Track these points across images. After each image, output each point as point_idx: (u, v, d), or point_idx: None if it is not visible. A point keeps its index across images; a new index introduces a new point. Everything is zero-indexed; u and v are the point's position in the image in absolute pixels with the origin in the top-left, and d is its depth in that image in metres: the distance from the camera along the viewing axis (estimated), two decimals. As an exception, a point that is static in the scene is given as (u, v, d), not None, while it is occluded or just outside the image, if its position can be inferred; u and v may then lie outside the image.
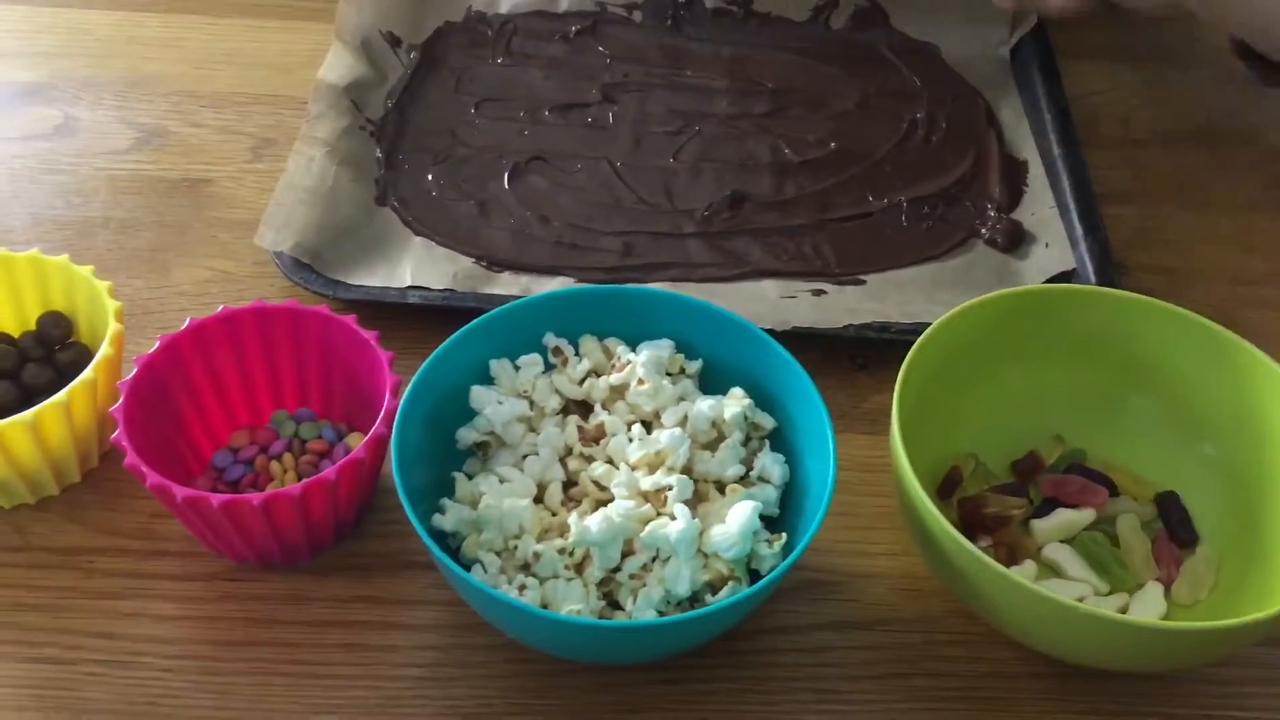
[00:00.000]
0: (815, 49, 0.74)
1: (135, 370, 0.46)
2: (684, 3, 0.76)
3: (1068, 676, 0.45)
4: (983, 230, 0.62)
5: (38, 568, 0.46)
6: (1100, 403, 0.52)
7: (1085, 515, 0.49)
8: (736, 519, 0.43)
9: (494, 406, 0.46)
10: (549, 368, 0.49)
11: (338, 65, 0.67)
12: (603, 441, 0.46)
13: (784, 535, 0.44)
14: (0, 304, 0.51)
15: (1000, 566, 0.41)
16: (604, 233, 0.61)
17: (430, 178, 0.63)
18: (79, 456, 0.48)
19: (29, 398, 0.48)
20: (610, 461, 0.46)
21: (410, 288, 0.57)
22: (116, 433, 0.44)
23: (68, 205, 0.61)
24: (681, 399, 0.47)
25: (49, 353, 0.50)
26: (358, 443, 0.46)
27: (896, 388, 0.45)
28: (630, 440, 0.46)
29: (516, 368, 0.48)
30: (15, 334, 0.51)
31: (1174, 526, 0.49)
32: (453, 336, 0.47)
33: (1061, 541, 0.49)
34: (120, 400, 0.45)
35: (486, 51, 0.72)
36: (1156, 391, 0.51)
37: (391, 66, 0.70)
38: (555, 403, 0.48)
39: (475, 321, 0.47)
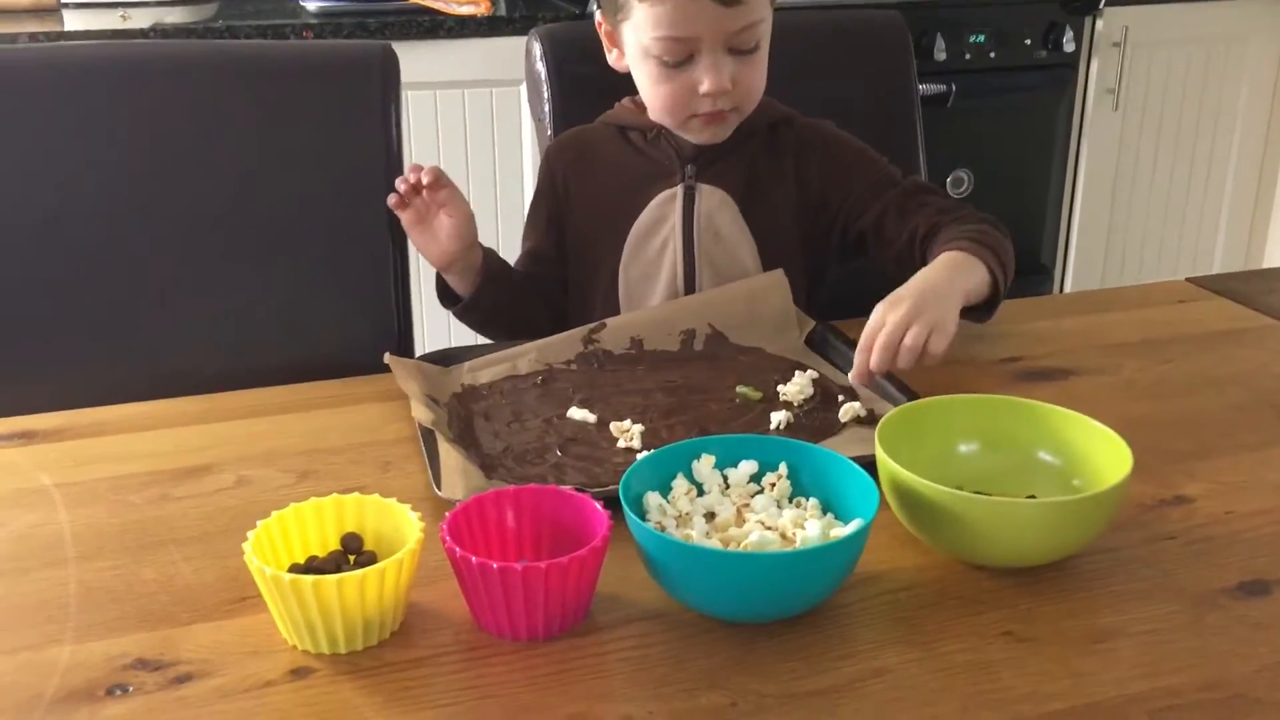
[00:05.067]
0: (690, 362, 1.11)
1: (447, 518, 0.73)
2: (603, 355, 1.12)
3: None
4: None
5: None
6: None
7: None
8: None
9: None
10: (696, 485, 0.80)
11: (418, 409, 0.98)
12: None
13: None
14: (308, 534, 0.75)
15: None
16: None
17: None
18: (393, 615, 0.72)
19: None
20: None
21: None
22: (447, 542, 0.71)
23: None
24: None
25: (347, 563, 0.75)
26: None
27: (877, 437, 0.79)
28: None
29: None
30: (321, 554, 0.75)
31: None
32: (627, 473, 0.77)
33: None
34: (447, 523, 0.72)
35: (489, 403, 1.04)
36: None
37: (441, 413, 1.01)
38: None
39: (634, 466, 0.79)
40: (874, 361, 0.96)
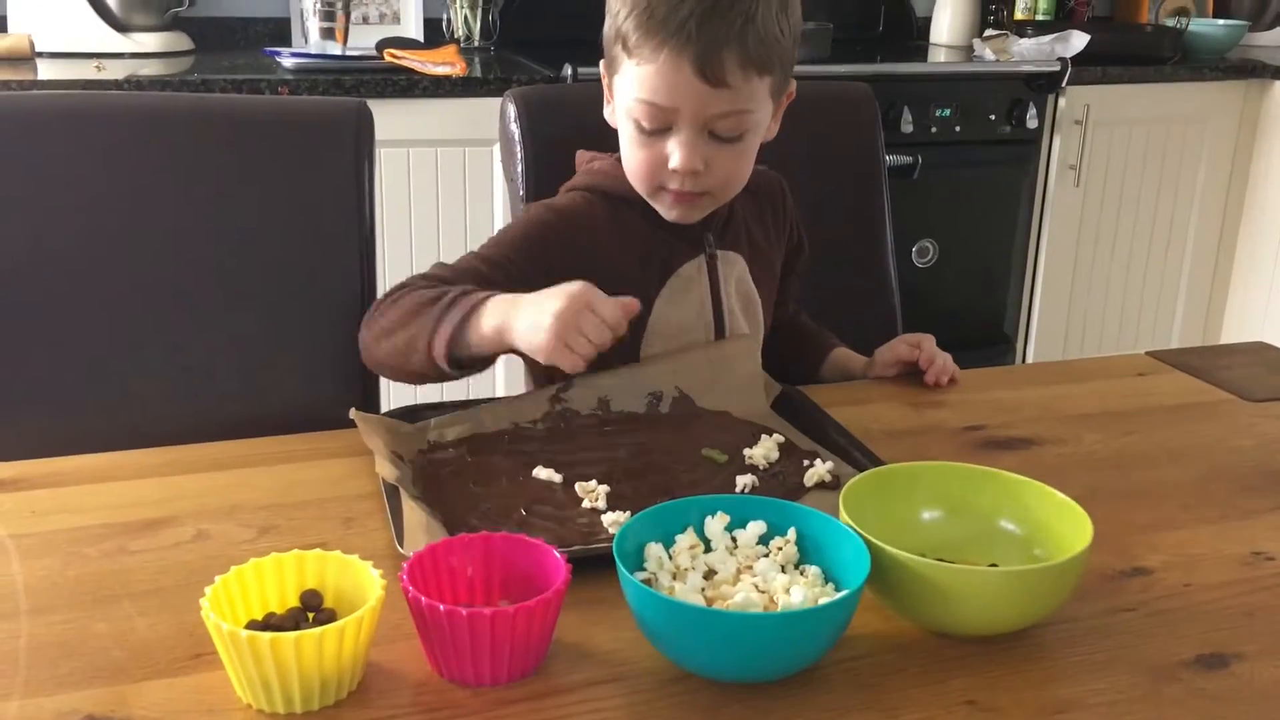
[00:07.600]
0: (656, 424, 1.11)
1: (406, 567, 0.73)
2: (569, 414, 1.12)
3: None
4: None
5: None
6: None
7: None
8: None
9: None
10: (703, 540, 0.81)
11: (382, 465, 0.97)
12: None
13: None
14: (268, 590, 0.75)
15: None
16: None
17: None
18: (351, 674, 0.71)
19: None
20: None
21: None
22: (409, 592, 0.71)
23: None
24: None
25: (306, 620, 0.74)
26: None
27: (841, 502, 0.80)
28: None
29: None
30: (280, 610, 0.74)
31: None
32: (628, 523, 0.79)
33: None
34: (406, 571, 0.72)
35: (455, 460, 1.04)
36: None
37: (406, 474, 1.00)
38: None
39: (632, 520, 0.80)
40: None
